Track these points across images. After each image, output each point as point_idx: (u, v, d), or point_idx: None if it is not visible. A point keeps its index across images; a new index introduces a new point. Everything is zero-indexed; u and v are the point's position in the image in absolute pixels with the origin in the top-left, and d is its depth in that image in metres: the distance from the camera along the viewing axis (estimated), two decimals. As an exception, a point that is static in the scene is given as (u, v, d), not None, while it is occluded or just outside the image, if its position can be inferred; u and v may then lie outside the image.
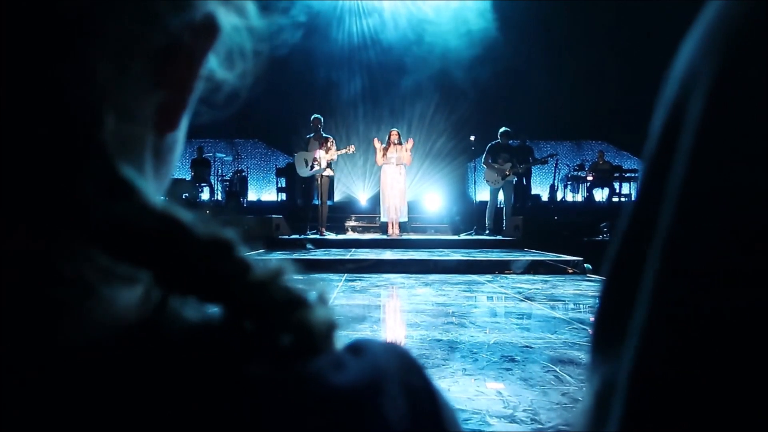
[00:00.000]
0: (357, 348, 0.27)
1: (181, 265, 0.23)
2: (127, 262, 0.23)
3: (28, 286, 0.22)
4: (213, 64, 0.31)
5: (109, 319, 0.23)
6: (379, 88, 14.40)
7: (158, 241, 0.23)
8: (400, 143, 9.53)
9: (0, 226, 0.22)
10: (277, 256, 7.01)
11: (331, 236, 9.73)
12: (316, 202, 9.75)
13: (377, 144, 9.59)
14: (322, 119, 9.21)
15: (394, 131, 9.64)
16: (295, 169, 9.59)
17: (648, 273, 0.22)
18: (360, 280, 5.95)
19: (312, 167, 9.11)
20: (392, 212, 9.67)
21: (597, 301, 0.27)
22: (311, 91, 13.56)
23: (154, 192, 0.27)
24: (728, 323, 0.19)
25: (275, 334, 0.24)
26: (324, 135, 9.17)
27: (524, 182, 11.78)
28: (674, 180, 0.21)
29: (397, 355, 0.28)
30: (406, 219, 10.00)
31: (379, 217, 10.34)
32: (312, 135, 9.17)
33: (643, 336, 0.21)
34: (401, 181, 9.62)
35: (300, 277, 0.28)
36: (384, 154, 9.54)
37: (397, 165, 9.53)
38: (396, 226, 9.74)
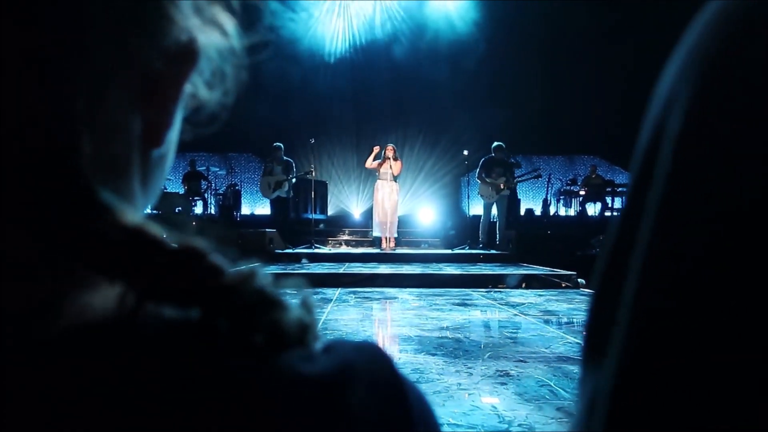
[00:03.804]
0: (330, 347, 0.28)
1: (152, 277, 0.24)
2: (102, 275, 0.24)
3: (3, 289, 0.24)
4: (196, 83, 0.32)
5: (86, 319, 0.25)
6: (372, 101, 14.47)
7: (129, 256, 0.24)
8: (395, 158, 9.56)
9: None
10: (272, 269, 6.99)
11: (326, 250, 9.74)
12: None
13: (377, 150, 9.63)
14: (282, 147, 10.05)
15: (390, 146, 9.61)
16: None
17: (628, 285, 0.23)
18: (354, 294, 5.93)
19: (274, 190, 9.97)
20: (385, 227, 9.69)
21: (587, 313, 0.28)
22: (305, 105, 13.61)
23: (136, 207, 0.29)
24: (702, 336, 0.20)
25: (248, 332, 0.26)
26: (285, 159, 10.07)
27: (517, 196, 11.83)
28: (653, 195, 0.22)
29: (368, 351, 0.29)
30: (395, 234, 10.00)
31: (372, 231, 10.41)
32: (269, 159, 10.10)
33: (622, 347, 0.22)
34: (394, 197, 9.64)
35: (293, 290, 0.29)
36: (378, 169, 9.59)
37: (389, 181, 9.55)
38: (392, 241, 9.77)
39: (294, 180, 10.22)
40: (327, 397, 0.25)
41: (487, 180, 9.71)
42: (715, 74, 0.22)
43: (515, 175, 10.45)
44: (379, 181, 9.63)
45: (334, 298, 5.60)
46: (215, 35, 0.31)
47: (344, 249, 10.79)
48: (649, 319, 0.22)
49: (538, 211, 13.58)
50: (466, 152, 10.27)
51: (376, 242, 10.15)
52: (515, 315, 4.70)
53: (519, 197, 12.32)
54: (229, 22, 0.32)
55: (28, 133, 0.24)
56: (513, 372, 2.86)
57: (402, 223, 10.22)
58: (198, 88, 0.32)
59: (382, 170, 9.55)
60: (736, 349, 0.19)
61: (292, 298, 0.28)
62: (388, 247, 9.69)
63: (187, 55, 0.29)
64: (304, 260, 8.43)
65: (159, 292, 0.25)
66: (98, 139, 0.26)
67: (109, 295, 0.26)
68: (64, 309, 0.25)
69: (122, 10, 0.26)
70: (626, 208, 0.25)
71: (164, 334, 0.25)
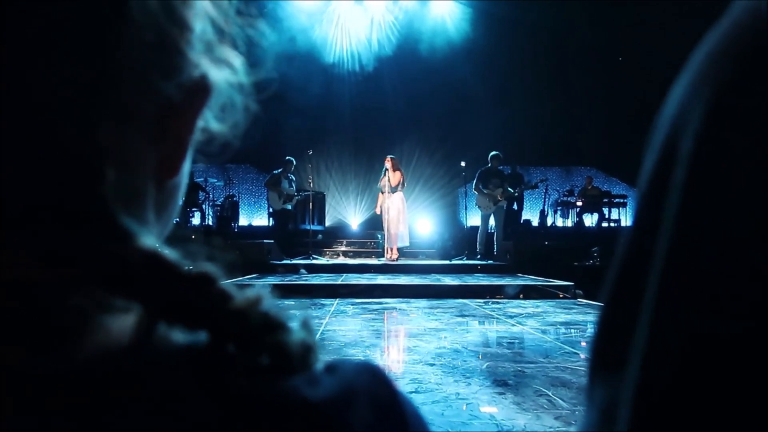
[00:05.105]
0: (332, 367, 0.30)
1: (167, 299, 0.26)
2: (121, 297, 0.26)
3: (32, 314, 0.25)
4: (207, 117, 0.34)
5: (104, 344, 0.26)
6: (370, 112, 14.51)
7: (147, 279, 0.26)
8: (395, 169, 9.54)
9: (14, 259, 0.25)
10: (270, 280, 6.99)
11: (323, 261, 9.75)
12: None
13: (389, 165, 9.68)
14: (294, 162, 10.68)
15: (387, 158, 9.60)
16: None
17: (648, 297, 0.24)
18: (352, 304, 5.93)
19: (284, 202, 10.42)
20: (387, 238, 9.72)
21: (596, 324, 0.29)
22: (302, 116, 13.64)
23: (152, 234, 0.31)
24: (723, 345, 0.21)
25: (255, 354, 0.27)
26: (291, 176, 10.61)
27: (515, 207, 11.86)
28: (669, 211, 0.24)
29: (368, 372, 0.31)
30: (407, 244, 10.00)
31: (377, 242, 10.62)
32: (281, 171, 10.53)
33: (645, 356, 0.23)
34: (396, 208, 9.63)
35: (292, 302, 0.31)
36: (381, 183, 9.63)
37: (388, 192, 9.55)
38: (393, 252, 9.79)
39: (301, 197, 10.64)
40: (330, 422, 0.26)
41: (484, 191, 9.73)
42: (727, 94, 0.23)
43: (522, 185, 10.53)
44: (385, 194, 9.67)
45: (333, 309, 5.60)
46: (225, 71, 0.33)
47: (342, 260, 10.79)
48: (668, 328, 0.23)
49: (535, 222, 13.60)
50: (463, 163, 10.30)
51: (382, 252, 10.33)
52: (513, 325, 4.71)
53: (519, 206, 12.32)
54: (236, 59, 0.34)
55: (57, 162, 0.26)
56: (511, 382, 2.87)
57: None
58: (209, 121, 0.34)
59: (383, 183, 9.60)
60: (760, 359, 0.20)
61: (292, 318, 0.30)
62: (390, 257, 9.72)
63: (200, 90, 0.32)
64: (302, 271, 8.43)
65: (172, 315, 0.27)
66: (119, 169, 0.28)
67: (126, 320, 0.28)
68: (86, 332, 0.27)
69: (142, 50, 0.28)
70: (638, 224, 0.27)
71: (176, 358, 0.27)
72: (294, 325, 0.29)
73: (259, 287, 0.29)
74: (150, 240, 0.27)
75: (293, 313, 0.30)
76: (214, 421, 0.25)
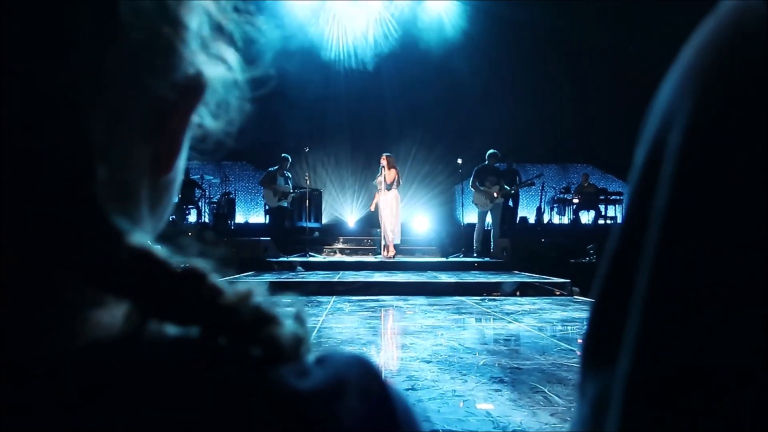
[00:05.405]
0: (322, 359, 0.30)
1: (157, 298, 0.27)
2: (112, 295, 0.26)
3: (25, 313, 0.26)
4: (202, 114, 0.34)
5: (96, 341, 0.27)
6: (366, 109, 14.50)
7: (137, 277, 0.26)
8: (390, 167, 9.56)
9: (6, 258, 0.25)
10: (267, 278, 6.98)
11: (320, 258, 9.75)
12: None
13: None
14: (290, 159, 10.79)
15: (383, 156, 9.62)
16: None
17: (638, 291, 0.24)
18: (349, 302, 5.94)
19: (279, 199, 10.52)
20: (385, 235, 9.73)
21: (588, 318, 0.29)
22: (299, 113, 13.62)
23: (145, 230, 0.31)
24: (713, 339, 0.21)
25: (246, 346, 0.28)
26: (287, 173, 10.73)
27: (511, 204, 11.87)
28: (658, 204, 0.24)
29: (358, 365, 0.31)
30: (397, 241, 10.01)
31: (374, 239, 10.72)
32: (276, 168, 10.63)
33: (636, 350, 0.24)
34: (390, 205, 9.63)
35: (287, 299, 0.31)
36: (378, 178, 9.64)
37: (384, 190, 9.55)
38: (390, 249, 9.80)
39: (296, 194, 10.70)
40: (319, 413, 0.27)
41: (481, 188, 9.74)
42: (713, 90, 0.23)
43: (517, 182, 10.55)
44: (381, 191, 9.68)
45: (329, 306, 5.60)
46: (220, 68, 0.33)
47: (339, 257, 10.80)
48: (659, 320, 0.23)
49: (532, 219, 13.62)
50: (460, 160, 10.29)
51: (378, 249, 10.38)
52: (509, 322, 4.72)
53: (515, 203, 12.32)
54: (232, 56, 0.34)
55: (48, 161, 0.26)
56: (507, 378, 2.88)
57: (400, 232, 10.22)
58: (204, 118, 0.34)
59: (378, 180, 9.62)
60: (748, 350, 0.20)
61: (286, 310, 0.30)
62: (387, 254, 9.72)
63: (195, 88, 0.32)
64: (299, 268, 8.44)
65: (163, 311, 0.27)
66: (111, 167, 0.28)
67: (117, 313, 0.28)
68: (76, 326, 0.27)
69: (136, 49, 0.28)
70: (628, 218, 0.27)
71: (167, 349, 0.27)
72: (286, 317, 0.29)
73: (253, 283, 0.29)
74: (141, 237, 0.27)
75: (288, 308, 0.30)
76: (203, 413, 0.25)
